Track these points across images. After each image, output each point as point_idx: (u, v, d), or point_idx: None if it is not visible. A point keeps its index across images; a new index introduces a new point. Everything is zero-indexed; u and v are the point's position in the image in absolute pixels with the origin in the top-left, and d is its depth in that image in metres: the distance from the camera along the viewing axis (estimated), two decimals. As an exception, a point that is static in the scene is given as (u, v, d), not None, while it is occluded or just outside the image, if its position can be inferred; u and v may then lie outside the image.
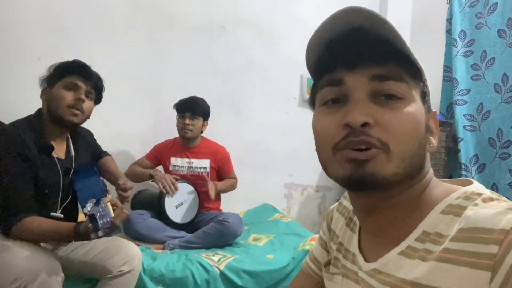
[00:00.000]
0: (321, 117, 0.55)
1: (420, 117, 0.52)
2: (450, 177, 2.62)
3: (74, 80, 1.46)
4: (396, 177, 0.50)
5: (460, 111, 2.58)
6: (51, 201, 1.47)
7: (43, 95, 1.49)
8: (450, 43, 2.67)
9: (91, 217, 1.22)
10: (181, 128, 2.23)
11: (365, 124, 0.49)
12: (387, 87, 0.50)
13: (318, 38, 0.53)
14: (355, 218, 0.65)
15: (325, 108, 0.55)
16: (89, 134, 1.76)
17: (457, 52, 2.61)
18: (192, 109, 2.21)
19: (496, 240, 0.41)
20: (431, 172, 0.56)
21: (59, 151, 1.53)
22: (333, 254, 0.68)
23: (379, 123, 0.49)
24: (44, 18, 2.28)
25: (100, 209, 1.25)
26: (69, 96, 1.45)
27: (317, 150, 0.56)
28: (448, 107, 2.74)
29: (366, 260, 0.58)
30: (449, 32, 2.69)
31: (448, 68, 2.72)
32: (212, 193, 2.14)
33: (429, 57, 2.89)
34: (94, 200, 1.30)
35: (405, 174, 0.50)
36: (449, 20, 2.68)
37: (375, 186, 0.50)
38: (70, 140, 1.59)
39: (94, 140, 1.81)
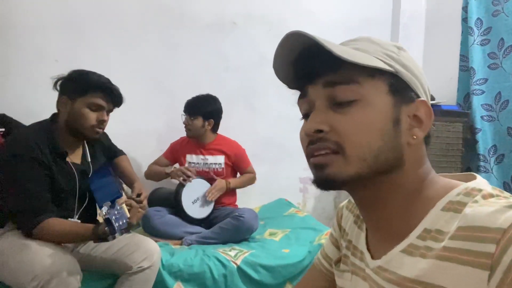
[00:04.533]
0: (300, 129, 0.59)
1: (379, 114, 0.52)
2: (468, 168, 2.58)
3: (99, 101, 1.48)
4: (359, 176, 0.52)
5: (477, 101, 2.53)
6: (68, 206, 1.51)
7: (63, 105, 1.48)
8: (466, 32, 2.61)
9: (107, 221, 1.25)
10: (184, 126, 2.29)
11: (320, 131, 0.53)
12: (338, 92, 0.53)
13: (280, 62, 0.58)
14: None
15: (303, 121, 0.60)
16: (104, 135, 1.78)
17: (474, 41, 2.55)
18: (188, 110, 2.26)
19: (493, 239, 0.42)
20: (427, 167, 0.56)
21: (75, 156, 1.55)
22: (343, 252, 0.69)
23: (334, 129, 0.52)
24: (60, 21, 2.33)
25: (116, 212, 1.28)
26: (93, 117, 1.47)
27: None
28: (465, 97, 2.68)
29: (372, 257, 0.59)
30: (465, 20, 2.63)
31: (464, 57, 2.66)
32: (211, 196, 2.16)
33: (445, 46, 2.86)
34: (109, 203, 1.32)
35: (372, 172, 0.52)
36: (465, 8, 2.62)
37: (337, 186, 0.53)
38: (86, 145, 1.61)
39: (109, 140, 1.83)
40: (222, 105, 2.34)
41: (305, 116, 0.58)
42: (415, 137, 0.54)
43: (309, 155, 0.55)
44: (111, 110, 1.56)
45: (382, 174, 0.53)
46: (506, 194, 0.49)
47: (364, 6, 2.92)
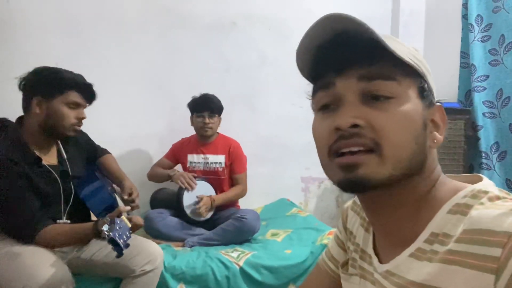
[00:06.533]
0: (318, 122, 0.56)
1: (415, 115, 0.50)
2: (471, 166, 2.57)
3: (77, 99, 1.46)
4: (391, 179, 0.49)
5: (479, 98, 2.52)
6: (56, 208, 1.48)
7: (37, 107, 1.43)
8: (466, 29, 2.61)
9: (112, 241, 1.22)
10: (201, 127, 2.25)
11: (355, 126, 0.49)
12: (376, 87, 0.50)
13: (306, 46, 0.54)
14: None
15: (321, 113, 0.55)
16: (81, 133, 1.71)
17: (474, 38, 2.54)
18: (210, 107, 2.24)
19: (499, 242, 0.41)
20: (438, 169, 0.55)
21: (50, 157, 1.51)
22: (350, 255, 0.68)
23: (371, 125, 0.49)
24: (60, 24, 2.33)
25: (117, 227, 1.25)
26: (72, 115, 1.45)
27: (318, 154, 0.56)
28: (467, 94, 2.68)
29: (380, 261, 0.58)
30: (465, 17, 2.62)
31: (465, 54, 2.66)
32: (203, 211, 2.09)
33: (445, 43, 2.85)
34: (109, 219, 1.30)
35: (402, 175, 0.50)
36: (465, 5, 2.62)
37: (367, 189, 0.50)
38: (60, 144, 1.57)
39: (90, 139, 1.79)
40: (223, 105, 2.33)
41: (323, 107, 0.55)
42: (435, 141, 0.53)
43: (334, 153, 0.51)
44: (85, 107, 1.54)
45: (406, 177, 0.51)
46: None
47: (363, 5, 2.91)
